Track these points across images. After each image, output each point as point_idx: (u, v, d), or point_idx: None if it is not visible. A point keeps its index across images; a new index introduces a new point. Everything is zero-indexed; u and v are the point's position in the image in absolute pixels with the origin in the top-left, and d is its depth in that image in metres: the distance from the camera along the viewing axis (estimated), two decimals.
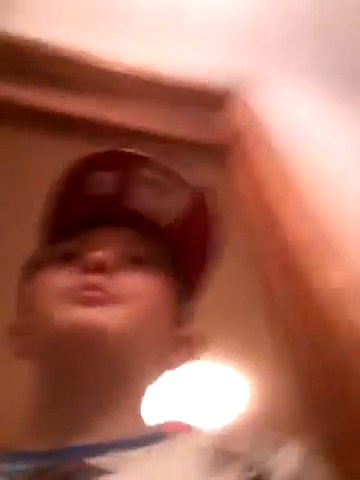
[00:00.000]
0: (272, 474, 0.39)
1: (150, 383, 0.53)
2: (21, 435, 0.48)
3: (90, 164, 0.54)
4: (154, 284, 0.51)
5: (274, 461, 0.41)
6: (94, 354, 0.45)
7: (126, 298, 0.47)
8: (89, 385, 0.46)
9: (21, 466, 0.42)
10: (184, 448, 0.42)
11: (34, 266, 0.54)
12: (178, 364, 0.56)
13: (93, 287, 0.46)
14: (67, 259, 0.51)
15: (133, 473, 0.39)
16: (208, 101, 1.44)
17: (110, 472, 0.38)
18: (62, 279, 0.48)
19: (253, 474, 0.39)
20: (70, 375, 0.46)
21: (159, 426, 0.55)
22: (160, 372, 0.54)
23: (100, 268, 0.46)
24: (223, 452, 0.41)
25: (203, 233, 0.55)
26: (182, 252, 0.53)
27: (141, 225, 0.52)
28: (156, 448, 0.43)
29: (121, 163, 0.53)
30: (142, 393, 0.52)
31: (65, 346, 0.45)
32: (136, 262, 0.52)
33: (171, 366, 0.55)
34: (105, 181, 0.53)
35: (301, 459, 0.42)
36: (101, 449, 0.42)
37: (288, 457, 0.42)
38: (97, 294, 0.45)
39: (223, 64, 1.48)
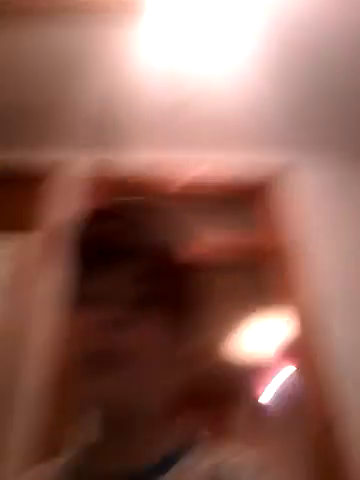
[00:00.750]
0: None
1: (166, 401, 0.62)
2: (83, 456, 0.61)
3: (96, 213, 0.61)
4: (156, 330, 0.58)
5: None
6: (117, 412, 0.56)
7: (134, 355, 0.55)
8: (119, 423, 0.57)
9: None
10: (187, 471, 0.54)
11: (68, 295, 0.63)
12: (185, 379, 0.63)
13: (104, 353, 0.54)
14: (88, 301, 0.58)
15: None
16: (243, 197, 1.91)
17: None
18: (83, 333, 0.56)
19: None
20: (101, 419, 0.59)
21: (189, 435, 0.62)
22: (171, 389, 0.62)
23: (114, 326, 0.55)
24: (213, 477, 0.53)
25: (190, 267, 0.62)
26: (178, 286, 0.60)
27: (142, 260, 0.58)
28: (173, 470, 0.54)
29: (121, 211, 0.60)
30: (166, 411, 0.61)
31: (90, 406, 0.58)
32: (140, 303, 0.57)
33: (178, 382, 0.63)
34: (107, 226, 0.59)
35: None
36: (136, 476, 0.53)
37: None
38: (108, 366, 0.54)
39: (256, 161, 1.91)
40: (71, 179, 1.97)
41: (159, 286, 0.58)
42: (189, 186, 1.90)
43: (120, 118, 1.88)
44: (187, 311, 0.62)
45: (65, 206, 1.91)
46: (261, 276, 1.70)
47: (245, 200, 1.91)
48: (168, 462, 0.55)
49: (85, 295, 0.58)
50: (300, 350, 1.51)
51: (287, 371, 1.71)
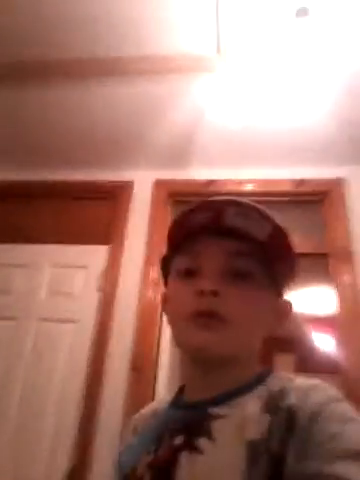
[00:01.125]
0: (298, 410, 0.54)
1: (258, 349, 0.69)
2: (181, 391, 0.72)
3: (196, 206, 0.67)
4: (253, 296, 0.65)
5: (303, 402, 0.55)
6: (212, 360, 0.64)
7: (233, 317, 0.62)
8: (212, 367, 0.64)
9: (175, 413, 0.67)
10: (255, 396, 0.60)
11: (166, 266, 0.73)
12: (279, 328, 0.70)
13: (207, 312, 0.62)
14: (186, 274, 0.67)
15: (231, 417, 0.59)
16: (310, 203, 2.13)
17: (221, 416, 0.60)
18: (186, 299, 0.64)
19: (284, 411, 0.55)
20: (198, 364, 0.66)
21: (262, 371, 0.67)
22: (263, 338, 0.68)
23: (211, 295, 0.62)
24: (272, 397, 0.59)
25: (286, 249, 0.67)
26: (270, 260, 0.66)
27: (236, 238, 0.65)
28: (246, 397, 0.61)
29: (219, 202, 0.66)
30: (252, 358, 0.68)
31: (190, 354, 0.66)
32: (237, 275, 0.64)
33: (273, 332, 0.69)
34: (206, 212, 0.66)
35: (324, 401, 0.55)
36: (218, 401, 0.62)
37: (313, 399, 0.55)
38: (210, 322, 0.62)
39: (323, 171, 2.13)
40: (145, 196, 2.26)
41: (250, 262, 0.65)
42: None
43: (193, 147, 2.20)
44: (279, 282, 0.69)
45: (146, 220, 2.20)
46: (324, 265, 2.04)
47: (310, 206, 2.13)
48: (243, 389, 0.63)
49: (186, 269, 0.67)
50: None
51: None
